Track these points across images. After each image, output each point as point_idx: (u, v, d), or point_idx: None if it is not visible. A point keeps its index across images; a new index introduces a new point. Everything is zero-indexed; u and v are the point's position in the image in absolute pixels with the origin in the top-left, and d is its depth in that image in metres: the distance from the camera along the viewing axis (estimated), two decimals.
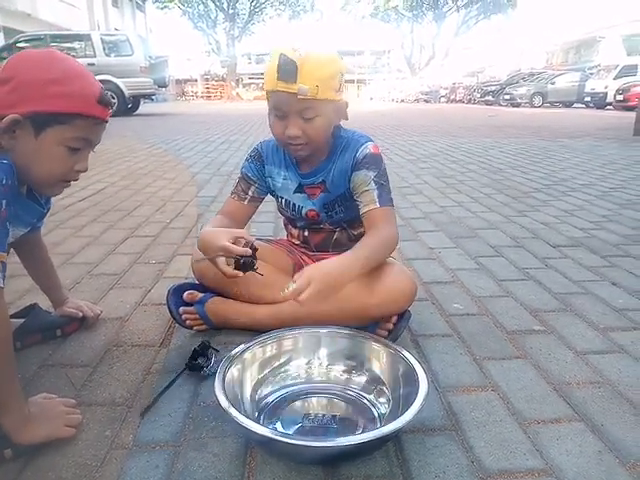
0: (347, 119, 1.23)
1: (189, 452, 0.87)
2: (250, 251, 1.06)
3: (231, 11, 32.83)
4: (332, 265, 1.04)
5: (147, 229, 2.28)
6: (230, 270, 1.07)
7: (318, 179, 1.27)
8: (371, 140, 1.26)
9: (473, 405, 1.01)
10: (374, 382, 1.01)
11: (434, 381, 1.08)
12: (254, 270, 1.08)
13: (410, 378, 0.93)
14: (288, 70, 1.06)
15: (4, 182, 0.81)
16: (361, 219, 1.29)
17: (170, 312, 1.27)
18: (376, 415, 0.95)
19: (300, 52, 1.07)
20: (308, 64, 1.07)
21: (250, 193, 1.32)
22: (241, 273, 1.07)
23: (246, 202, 1.32)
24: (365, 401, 0.99)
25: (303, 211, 1.32)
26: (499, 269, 1.78)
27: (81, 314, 1.28)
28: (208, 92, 32.40)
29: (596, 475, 0.82)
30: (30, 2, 18.36)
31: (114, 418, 0.96)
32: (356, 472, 0.83)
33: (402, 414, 0.83)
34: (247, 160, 1.35)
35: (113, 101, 1.07)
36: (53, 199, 1.13)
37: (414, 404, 0.83)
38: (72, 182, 1.00)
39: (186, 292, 1.29)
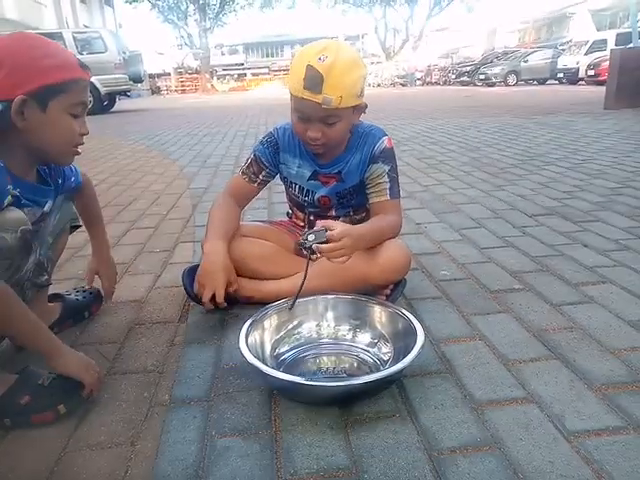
0: (365, 113, 1.32)
1: (221, 404, 1.00)
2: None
3: (201, 2, 32.39)
4: (359, 229, 1.20)
5: (146, 221, 2.38)
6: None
7: (334, 169, 1.37)
8: (386, 134, 1.37)
9: (463, 352, 1.15)
10: (377, 337, 1.15)
11: (428, 335, 1.23)
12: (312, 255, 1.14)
13: (408, 331, 1.07)
14: (314, 81, 1.13)
15: None
16: (365, 205, 1.41)
17: (186, 291, 1.38)
18: (380, 365, 1.09)
19: (326, 61, 1.12)
20: (333, 74, 1.12)
21: (261, 177, 1.41)
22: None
23: (256, 184, 1.42)
24: (370, 354, 1.12)
25: (315, 197, 1.42)
26: (481, 238, 1.93)
27: (90, 285, 1.37)
28: (182, 86, 32.07)
29: (568, 398, 0.98)
30: None
31: (149, 382, 1.08)
32: (367, 410, 0.96)
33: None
34: (262, 144, 1.41)
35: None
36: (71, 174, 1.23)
37: (414, 348, 0.97)
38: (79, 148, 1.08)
39: None
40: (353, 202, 1.42)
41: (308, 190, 1.42)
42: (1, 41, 0.94)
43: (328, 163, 1.38)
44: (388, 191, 1.34)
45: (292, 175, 1.43)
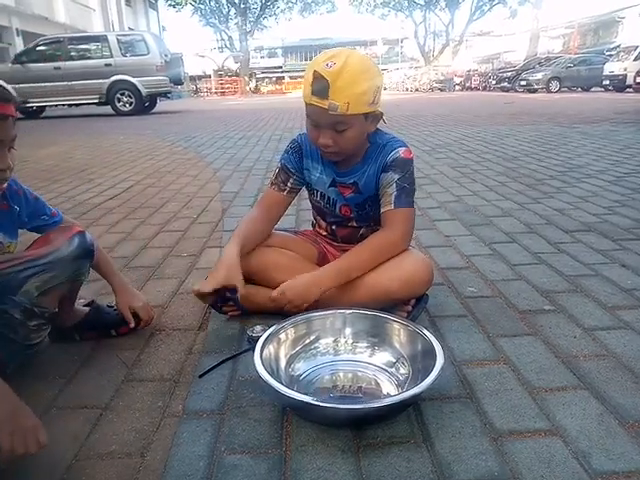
0: (385, 123, 1.30)
1: (233, 418, 0.99)
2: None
3: (243, 6, 32.92)
4: (303, 280, 1.23)
5: (176, 224, 2.41)
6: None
7: (350, 180, 1.35)
8: (405, 145, 1.33)
9: (486, 376, 1.11)
10: (395, 357, 1.11)
11: (450, 356, 1.18)
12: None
13: (428, 352, 1.03)
14: (320, 86, 1.12)
15: None
16: None
17: None
18: (397, 385, 1.05)
19: (334, 68, 1.11)
20: (340, 81, 1.11)
21: (289, 184, 1.41)
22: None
23: (285, 193, 1.41)
24: (387, 374, 1.09)
25: (337, 205, 1.40)
26: (512, 254, 1.87)
27: (133, 325, 1.29)
28: (222, 88, 32.52)
29: (597, 433, 0.92)
30: (46, 6, 18.73)
31: (164, 391, 1.08)
32: (381, 433, 0.93)
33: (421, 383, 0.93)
34: (287, 152, 1.42)
35: (13, 95, 1.03)
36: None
37: (432, 372, 0.93)
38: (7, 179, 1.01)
39: None
40: (372, 214, 1.39)
41: (329, 198, 1.41)
42: None
43: (345, 172, 1.35)
44: (394, 200, 1.29)
45: (314, 181, 1.42)
